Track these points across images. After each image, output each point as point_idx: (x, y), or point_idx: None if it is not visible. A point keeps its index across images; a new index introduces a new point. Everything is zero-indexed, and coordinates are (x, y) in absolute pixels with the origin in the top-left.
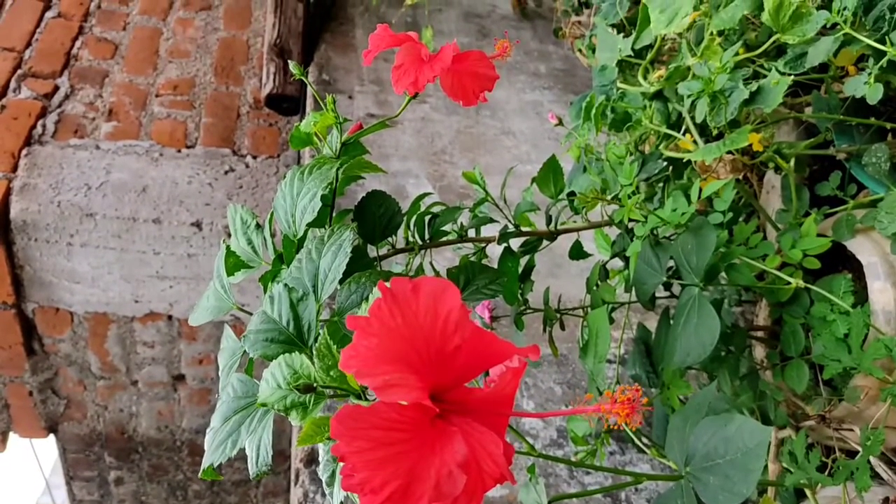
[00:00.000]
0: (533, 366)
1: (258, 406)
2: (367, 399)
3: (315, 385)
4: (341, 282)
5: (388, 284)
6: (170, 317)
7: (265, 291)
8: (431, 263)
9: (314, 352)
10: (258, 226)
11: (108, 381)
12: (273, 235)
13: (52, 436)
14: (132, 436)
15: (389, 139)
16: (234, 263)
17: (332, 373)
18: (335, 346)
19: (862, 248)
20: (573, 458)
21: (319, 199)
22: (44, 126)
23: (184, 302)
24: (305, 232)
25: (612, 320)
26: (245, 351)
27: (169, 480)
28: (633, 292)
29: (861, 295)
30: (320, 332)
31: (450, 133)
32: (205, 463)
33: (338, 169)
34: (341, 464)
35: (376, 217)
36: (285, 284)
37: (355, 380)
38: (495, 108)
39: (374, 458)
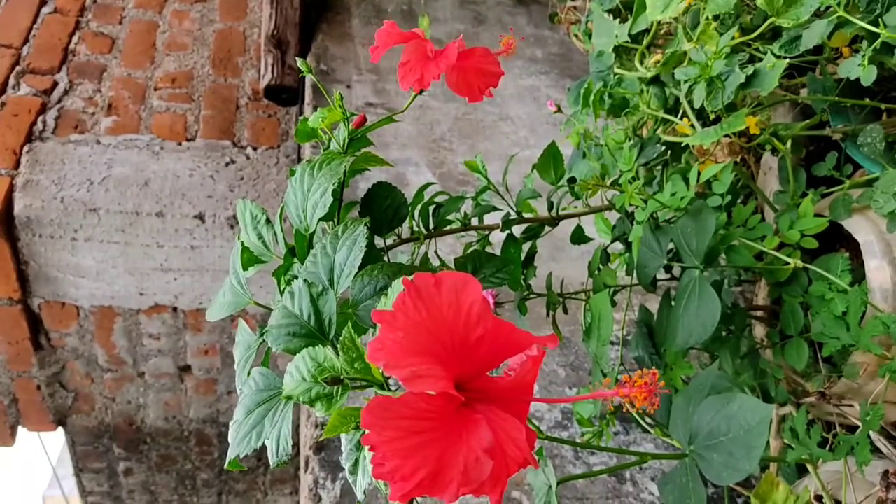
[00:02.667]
0: None
1: (283, 399)
2: (389, 389)
3: (342, 377)
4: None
5: (410, 279)
6: (175, 308)
7: (278, 285)
8: (436, 252)
9: (337, 345)
10: (268, 221)
11: (115, 373)
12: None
13: (60, 429)
14: (140, 427)
15: (388, 127)
16: (248, 258)
17: (356, 365)
18: (359, 340)
19: (859, 227)
20: (578, 440)
21: (330, 194)
22: (44, 122)
23: (188, 294)
24: (317, 226)
25: (613, 303)
26: (260, 344)
27: (178, 470)
28: (635, 275)
29: (858, 273)
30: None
31: (448, 120)
32: (230, 455)
33: (347, 164)
34: (367, 453)
35: (383, 209)
36: (305, 280)
37: (382, 372)
38: (493, 94)
39: (404, 447)
